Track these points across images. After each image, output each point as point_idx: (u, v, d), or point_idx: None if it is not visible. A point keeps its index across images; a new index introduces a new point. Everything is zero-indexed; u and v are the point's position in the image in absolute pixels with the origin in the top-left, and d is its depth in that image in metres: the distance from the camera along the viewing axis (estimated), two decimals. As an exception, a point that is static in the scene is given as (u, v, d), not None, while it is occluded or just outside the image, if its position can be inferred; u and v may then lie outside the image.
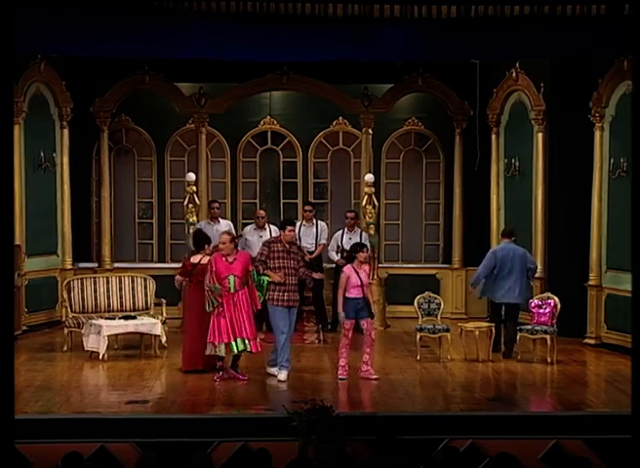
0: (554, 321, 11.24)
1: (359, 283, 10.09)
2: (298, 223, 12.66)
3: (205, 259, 10.61)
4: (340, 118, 14.87)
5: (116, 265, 14.00)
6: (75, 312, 11.87)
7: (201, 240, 11.15)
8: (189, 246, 12.84)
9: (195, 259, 10.90)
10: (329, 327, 13.01)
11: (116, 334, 11.36)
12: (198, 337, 10.30)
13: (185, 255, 12.24)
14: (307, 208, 13.48)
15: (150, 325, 11.39)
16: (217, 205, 13.28)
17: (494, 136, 13.92)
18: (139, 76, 13.89)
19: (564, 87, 12.52)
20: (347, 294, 10.10)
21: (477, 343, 11.18)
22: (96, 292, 12.03)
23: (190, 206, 13.35)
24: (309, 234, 13.24)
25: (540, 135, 12.97)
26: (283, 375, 10.12)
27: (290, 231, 10.42)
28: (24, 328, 12.61)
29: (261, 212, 13.26)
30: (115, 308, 12.01)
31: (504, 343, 11.34)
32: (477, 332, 11.29)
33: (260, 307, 10.23)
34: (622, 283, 11.76)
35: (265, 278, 10.17)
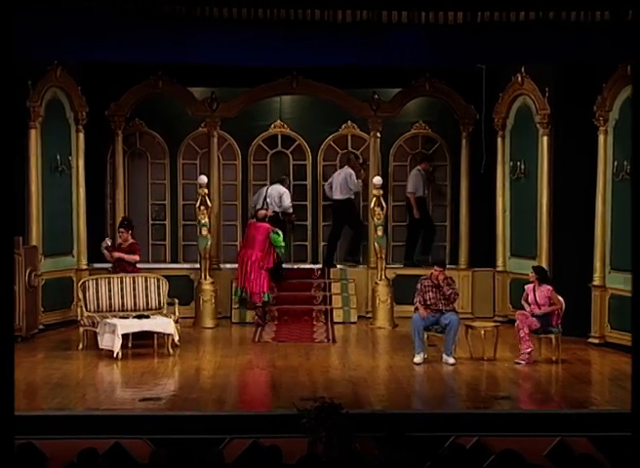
0: (559, 321, 11.38)
1: (534, 300, 11.31)
2: None
3: None
4: (349, 122, 15.04)
5: (130, 266, 14.19)
6: (90, 311, 12.06)
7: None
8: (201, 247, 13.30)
9: None
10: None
11: (130, 333, 11.55)
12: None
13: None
14: None
15: (164, 324, 11.59)
16: None
17: (499, 140, 14.06)
18: (152, 81, 14.07)
19: (568, 91, 12.66)
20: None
21: (483, 342, 11.37)
22: (110, 291, 12.23)
23: (202, 208, 13.57)
24: None
25: (544, 138, 13.12)
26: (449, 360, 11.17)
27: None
28: (41, 326, 12.85)
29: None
30: (129, 308, 12.21)
31: None
32: (483, 332, 11.48)
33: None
34: (626, 283, 11.89)
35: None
